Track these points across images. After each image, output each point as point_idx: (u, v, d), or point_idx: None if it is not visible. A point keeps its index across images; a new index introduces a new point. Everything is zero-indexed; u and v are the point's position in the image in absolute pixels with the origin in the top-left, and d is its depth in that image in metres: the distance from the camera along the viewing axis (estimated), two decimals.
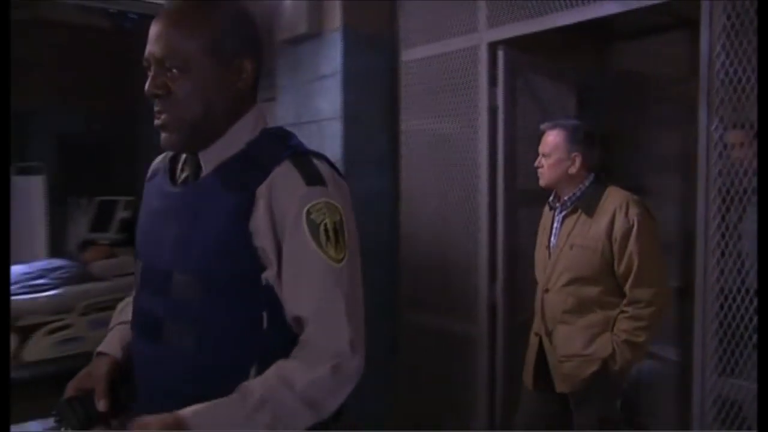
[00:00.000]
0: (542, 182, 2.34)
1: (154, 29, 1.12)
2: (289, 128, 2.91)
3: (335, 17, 2.88)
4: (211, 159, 1.14)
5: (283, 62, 3.20)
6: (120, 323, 1.30)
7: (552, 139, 2.28)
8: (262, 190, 1.09)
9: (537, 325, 2.38)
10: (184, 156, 1.21)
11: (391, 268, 3.02)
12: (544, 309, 2.34)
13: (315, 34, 2.94)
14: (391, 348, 3.03)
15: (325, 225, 1.10)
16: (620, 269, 2.19)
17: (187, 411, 1.03)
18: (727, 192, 1.93)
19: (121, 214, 5.65)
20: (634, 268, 2.15)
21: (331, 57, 2.91)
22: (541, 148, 2.31)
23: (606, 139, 3.82)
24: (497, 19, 2.54)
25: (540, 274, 2.37)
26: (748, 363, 1.94)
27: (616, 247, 2.18)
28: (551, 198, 2.36)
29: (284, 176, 1.10)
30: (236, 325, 1.13)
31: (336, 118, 2.89)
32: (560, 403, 2.32)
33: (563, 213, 2.29)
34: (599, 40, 3.70)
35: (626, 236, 2.16)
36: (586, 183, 2.27)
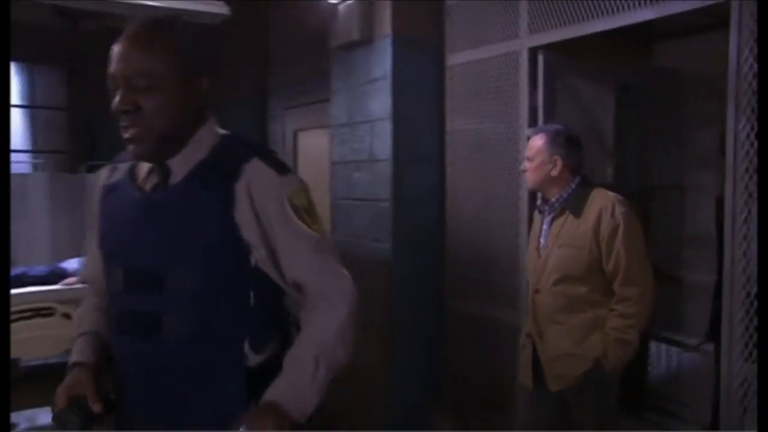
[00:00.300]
0: (528, 185, 2.47)
1: (119, 49, 1.24)
2: (341, 128, 3.19)
3: (385, 25, 3.08)
4: (180, 165, 1.29)
5: (336, 66, 3.42)
6: (83, 334, 1.42)
7: (535, 143, 2.37)
8: (240, 185, 1.26)
9: (529, 326, 2.44)
10: (148, 165, 1.32)
11: (438, 260, 3.20)
12: (536, 309, 2.41)
13: (367, 40, 3.15)
14: (437, 335, 3.22)
15: (304, 205, 1.31)
16: (609, 267, 2.26)
17: (274, 398, 1.21)
18: (753, 188, 2.05)
19: None
20: (622, 266, 2.22)
21: (382, 61, 3.11)
22: (526, 153, 2.42)
23: (645, 137, 3.94)
24: (537, 26, 2.68)
25: (531, 276, 2.44)
26: None
27: (603, 246, 2.24)
28: (539, 202, 2.46)
29: (259, 171, 1.27)
30: (229, 307, 1.30)
31: (386, 119, 3.09)
32: (560, 401, 2.38)
33: (551, 215, 2.37)
34: (640, 41, 3.79)
35: (613, 235, 2.22)
36: (572, 185, 2.34)
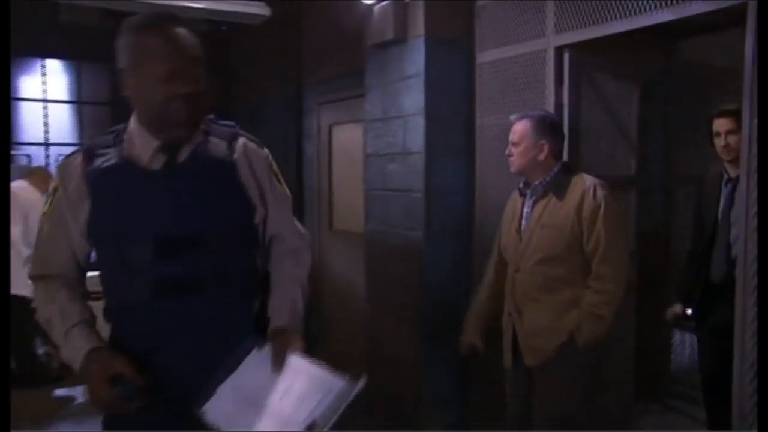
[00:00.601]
0: (513, 169, 2.51)
1: (173, 41, 1.41)
2: (375, 122, 3.39)
3: (419, 25, 3.24)
4: (188, 145, 1.50)
5: (371, 64, 3.59)
6: (76, 324, 1.47)
7: (520, 128, 2.46)
8: (240, 157, 1.54)
9: (508, 305, 2.53)
10: (152, 147, 1.47)
11: (467, 247, 3.36)
12: (515, 289, 2.49)
13: (400, 39, 3.31)
14: None
15: (277, 171, 1.64)
16: (588, 246, 2.35)
17: (284, 325, 1.51)
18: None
19: None
20: (602, 245, 2.32)
21: (415, 60, 3.27)
22: (511, 137, 2.49)
23: (670, 130, 4.05)
24: (563, 26, 2.82)
25: (511, 257, 2.51)
26: None
27: (585, 226, 2.34)
28: (521, 185, 2.53)
29: (247, 144, 1.58)
30: (249, 262, 1.57)
31: (419, 114, 3.25)
32: (537, 377, 2.47)
33: (533, 198, 2.46)
34: (665, 38, 3.90)
35: (594, 215, 2.33)
36: (555, 170, 2.44)
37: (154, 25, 1.43)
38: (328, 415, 1.37)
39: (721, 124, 2.89)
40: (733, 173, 2.86)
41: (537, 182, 2.46)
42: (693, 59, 3.98)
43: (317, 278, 5.04)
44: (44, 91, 6.44)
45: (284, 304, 1.55)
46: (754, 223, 2.18)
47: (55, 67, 6.56)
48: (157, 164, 1.49)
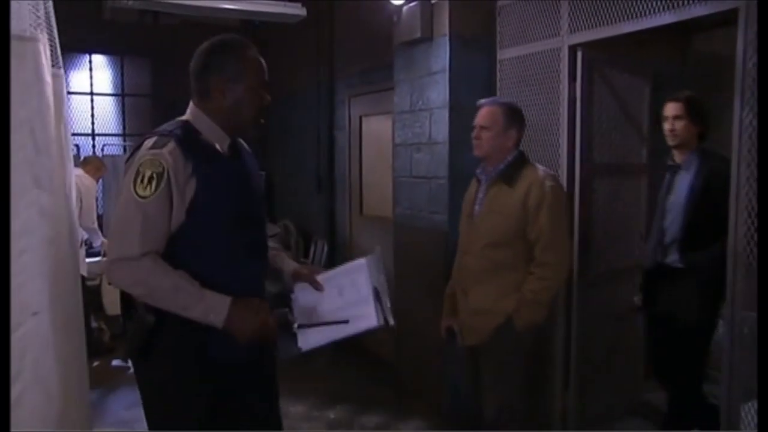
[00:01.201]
0: (479, 152, 2.58)
1: (262, 61, 1.85)
2: (403, 114, 3.77)
3: (444, 24, 3.52)
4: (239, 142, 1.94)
5: (400, 60, 3.88)
6: (202, 287, 1.71)
7: (492, 113, 2.55)
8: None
9: (456, 286, 2.66)
10: (227, 141, 1.84)
11: None
12: (463, 270, 2.61)
13: (427, 38, 3.59)
14: None
15: None
16: (532, 234, 2.45)
17: (295, 264, 2.09)
18: (755, 167, 2.42)
19: None
20: (545, 233, 2.43)
21: (440, 56, 3.55)
22: (480, 122, 2.56)
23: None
24: (577, 26, 3.05)
25: (463, 240, 2.64)
26: None
27: (530, 214, 2.44)
28: (479, 170, 2.65)
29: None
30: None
31: (444, 107, 3.54)
32: (477, 356, 2.62)
33: (488, 183, 2.56)
34: (680, 32, 4.11)
35: (540, 205, 2.43)
36: (510, 158, 2.55)
37: (249, 45, 1.82)
38: (380, 279, 1.88)
39: (669, 109, 2.94)
40: (678, 159, 2.95)
41: (493, 168, 2.57)
42: (707, 52, 4.19)
43: (349, 258, 5.38)
44: (91, 85, 6.80)
45: (282, 255, 2.10)
46: (742, 194, 2.39)
47: (100, 61, 6.90)
48: (228, 155, 1.86)
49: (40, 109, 2.02)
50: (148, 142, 1.75)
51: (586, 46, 3.10)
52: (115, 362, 4.84)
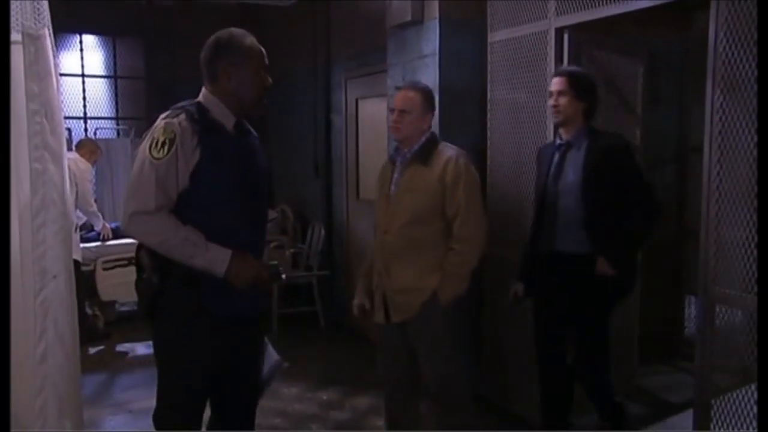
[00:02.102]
0: (398, 135, 2.84)
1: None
2: None
3: (434, 8, 3.80)
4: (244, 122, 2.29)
5: (392, 43, 4.18)
6: (208, 240, 2.10)
7: (412, 98, 2.81)
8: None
9: (378, 265, 2.87)
10: (233, 119, 2.21)
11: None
12: (384, 249, 2.83)
13: (418, 21, 3.87)
14: (477, 275, 3.95)
15: None
16: (450, 211, 2.72)
17: None
18: (724, 145, 2.69)
19: None
20: (462, 210, 2.70)
21: (431, 39, 3.84)
22: (399, 106, 2.81)
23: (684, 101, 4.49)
24: (563, 9, 3.32)
25: (381, 219, 2.87)
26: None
27: (447, 192, 2.71)
28: (392, 152, 2.91)
29: None
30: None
31: (434, 90, 3.79)
32: (405, 332, 2.85)
33: (404, 164, 2.82)
34: (680, 10, 4.31)
35: (456, 183, 2.70)
36: (423, 139, 2.83)
37: (250, 36, 2.22)
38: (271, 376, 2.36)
39: (553, 84, 2.99)
40: (564, 137, 2.99)
41: (408, 150, 2.85)
42: (703, 32, 4.42)
43: (346, 242, 5.71)
44: (82, 66, 7.02)
45: None
46: (714, 173, 2.66)
47: (91, 42, 7.13)
48: (234, 132, 2.24)
49: (50, 100, 2.50)
50: (163, 114, 2.17)
51: (574, 28, 3.35)
52: (120, 347, 5.20)
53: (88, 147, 5.47)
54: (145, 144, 2.10)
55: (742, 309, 2.70)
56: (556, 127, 3.09)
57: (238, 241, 2.15)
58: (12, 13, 2.36)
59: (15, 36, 2.38)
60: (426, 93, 2.90)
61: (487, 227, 2.87)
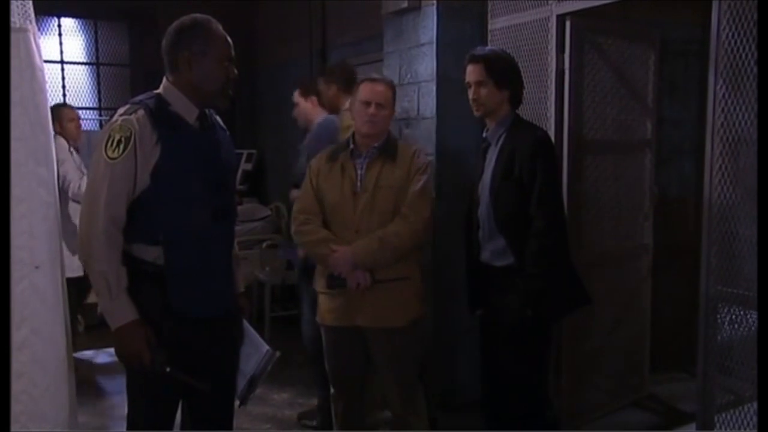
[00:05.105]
0: (374, 130, 2.97)
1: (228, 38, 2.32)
2: None
3: None
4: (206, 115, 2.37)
5: (388, 31, 4.34)
6: (125, 290, 2.19)
7: (386, 93, 2.99)
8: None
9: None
10: (196, 112, 2.28)
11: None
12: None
13: (415, 7, 4.04)
14: None
15: None
16: (406, 197, 2.93)
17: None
18: (727, 137, 2.83)
19: (243, 166, 7.02)
20: (414, 196, 2.92)
21: (428, 27, 4.00)
22: (379, 98, 2.96)
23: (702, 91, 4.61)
24: None
25: (348, 218, 2.96)
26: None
27: (411, 178, 2.95)
28: (351, 147, 3.03)
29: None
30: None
31: (431, 80, 3.99)
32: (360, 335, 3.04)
33: (367, 161, 2.99)
34: None
35: (420, 171, 2.97)
36: (385, 135, 3.04)
37: (215, 22, 2.30)
38: (262, 371, 2.51)
39: (468, 73, 2.87)
40: (489, 133, 2.93)
41: (377, 146, 3.01)
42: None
43: None
44: (61, 52, 7.09)
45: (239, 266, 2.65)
46: (716, 166, 2.78)
47: (70, 26, 7.21)
48: (198, 125, 2.33)
49: (33, 92, 2.71)
50: (121, 110, 2.23)
51: (577, 14, 3.49)
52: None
53: (57, 118, 4.71)
54: (102, 140, 2.17)
55: (745, 308, 2.85)
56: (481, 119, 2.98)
57: (202, 238, 2.28)
58: None
59: None
60: (394, 88, 3.11)
61: (431, 224, 3.05)
